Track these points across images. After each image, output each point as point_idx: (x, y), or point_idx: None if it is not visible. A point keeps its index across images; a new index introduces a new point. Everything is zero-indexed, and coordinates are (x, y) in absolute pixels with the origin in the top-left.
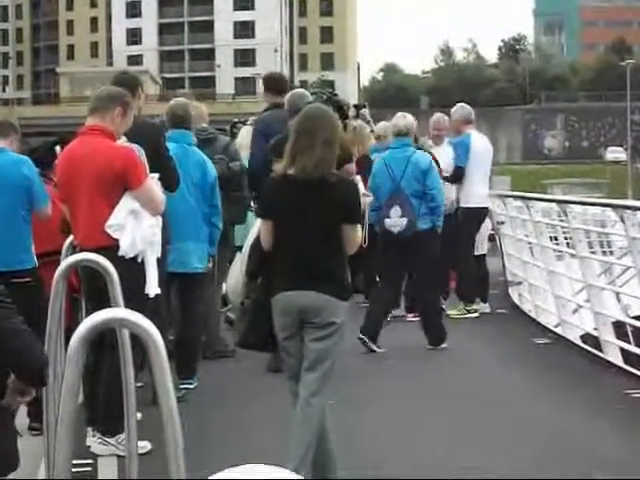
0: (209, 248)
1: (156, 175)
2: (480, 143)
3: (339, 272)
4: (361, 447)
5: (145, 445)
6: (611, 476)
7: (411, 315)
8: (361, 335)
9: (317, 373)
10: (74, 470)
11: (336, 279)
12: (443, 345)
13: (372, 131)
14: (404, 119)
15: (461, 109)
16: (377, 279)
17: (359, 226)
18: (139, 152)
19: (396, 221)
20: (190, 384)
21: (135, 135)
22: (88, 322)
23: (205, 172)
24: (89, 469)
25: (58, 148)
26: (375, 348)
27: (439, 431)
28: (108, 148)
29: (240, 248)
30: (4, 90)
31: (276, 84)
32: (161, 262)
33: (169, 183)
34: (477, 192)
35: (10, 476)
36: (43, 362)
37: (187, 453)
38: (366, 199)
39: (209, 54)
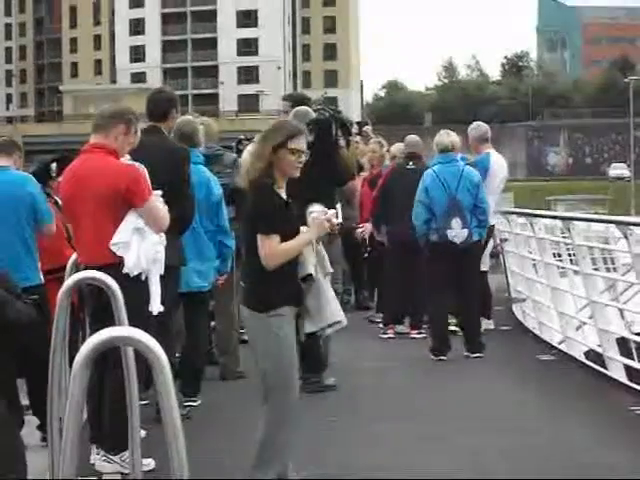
0: (219, 265)
1: (159, 192)
2: (498, 163)
3: (255, 283)
4: (363, 461)
5: (149, 462)
6: None
7: (415, 332)
8: (432, 356)
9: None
10: None
11: (251, 290)
12: (480, 355)
13: (388, 150)
14: (448, 136)
15: (477, 128)
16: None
17: (268, 237)
18: (142, 170)
19: (458, 232)
20: (194, 402)
21: (164, 157)
22: (93, 340)
23: (209, 192)
24: None
25: (54, 166)
26: (444, 357)
27: (442, 446)
28: (112, 166)
29: None
30: (7, 108)
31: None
32: (174, 282)
33: (183, 213)
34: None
35: None
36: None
37: (191, 471)
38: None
39: (212, 71)
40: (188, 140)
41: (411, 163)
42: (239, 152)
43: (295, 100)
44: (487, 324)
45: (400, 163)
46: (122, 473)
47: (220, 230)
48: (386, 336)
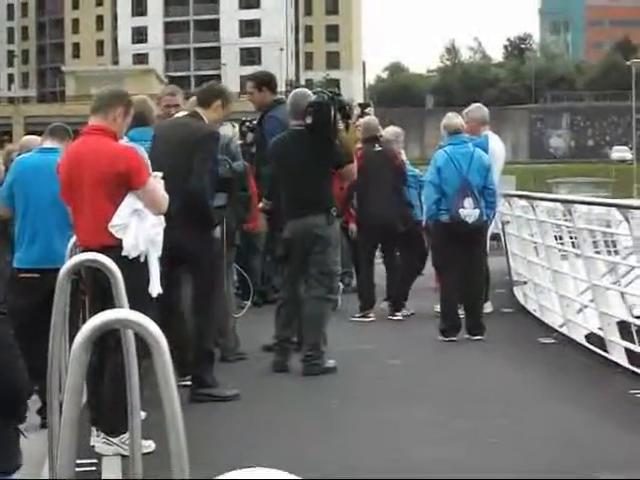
0: None
1: (159, 174)
2: (497, 145)
3: None
4: (366, 446)
5: (149, 444)
6: (615, 476)
7: (399, 314)
8: (442, 337)
9: None
10: (78, 470)
11: None
12: (481, 337)
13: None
14: (457, 118)
15: (479, 110)
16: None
17: None
18: (141, 152)
19: (470, 212)
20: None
21: (186, 135)
22: (91, 323)
23: None
24: (93, 469)
25: None
26: (455, 338)
27: (444, 430)
28: (110, 148)
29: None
30: (10, 88)
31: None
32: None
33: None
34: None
35: (14, 475)
36: (18, 387)
37: (191, 454)
38: None
39: (215, 53)
40: (139, 120)
41: (377, 146)
42: (242, 134)
43: (259, 81)
44: (485, 307)
45: (368, 147)
46: (122, 455)
47: None
48: (368, 320)
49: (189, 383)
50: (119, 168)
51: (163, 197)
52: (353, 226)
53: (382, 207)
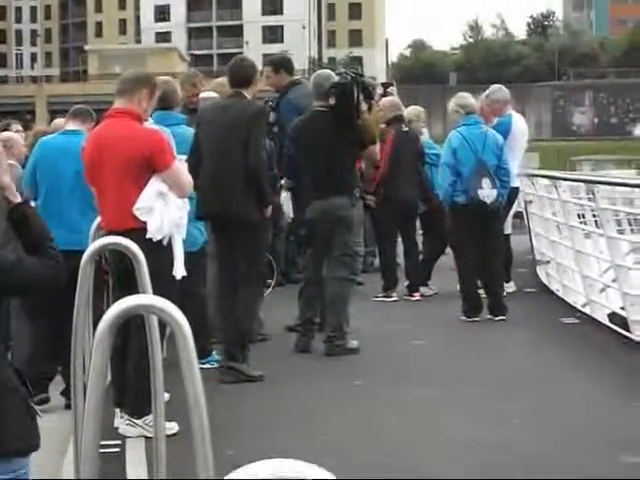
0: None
1: (184, 157)
2: (520, 124)
3: None
4: (390, 427)
5: (173, 426)
6: (637, 457)
7: (417, 295)
8: (464, 317)
9: None
10: (102, 451)
11: None
12: (503, 317)
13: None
14: (471, 98)
15: (501, 91)
16: None
17: None
18: (166, 135)
19: (488, 192)
20: (202, 364)
21: (237, 115)
22: (115, 308)
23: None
24: (117, 450)
25: None
26: (477, 318)
27: (468, 409)
28: (135, 131)
29: None
30: (32, 67)
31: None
32: None
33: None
34: (512, 173)
35: (33, 455)
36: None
37: (214, 435)
38: None
39: (237, 31)
40: (164, 101)
41: (404, 126)
42: None
43: (276, 63)
44: (507, 287)
45: (397, 128)
46: (146, 437)
47: None
48: (391, 300)
49: (206, 366)
50: (143, 151)
51: (188, 180)
52: (372, 198)
53: (406, 188)
